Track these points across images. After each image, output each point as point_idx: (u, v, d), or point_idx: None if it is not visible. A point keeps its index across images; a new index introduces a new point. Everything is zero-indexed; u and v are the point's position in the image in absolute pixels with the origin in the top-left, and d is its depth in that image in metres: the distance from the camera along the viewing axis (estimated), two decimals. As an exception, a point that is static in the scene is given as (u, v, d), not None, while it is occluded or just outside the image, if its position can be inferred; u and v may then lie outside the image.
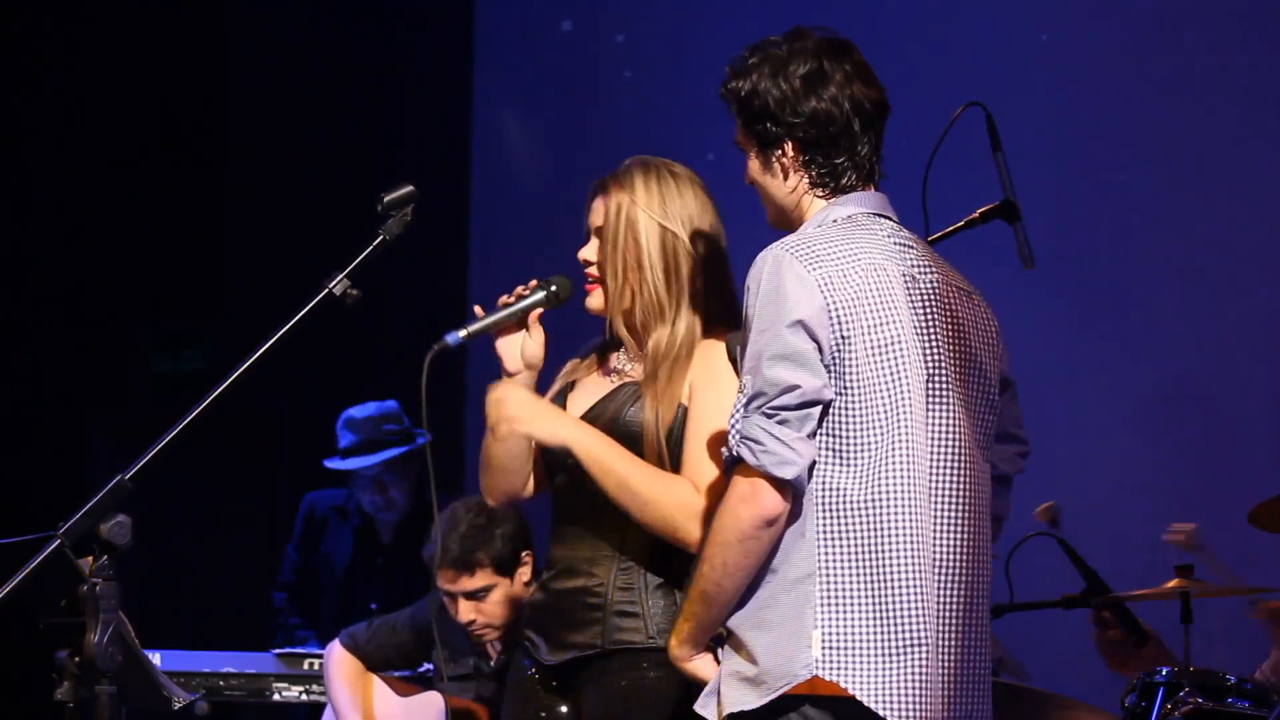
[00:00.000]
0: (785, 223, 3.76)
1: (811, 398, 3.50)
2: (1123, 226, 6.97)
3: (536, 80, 8.36)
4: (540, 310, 4.10)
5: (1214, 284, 6.78)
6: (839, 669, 3.50)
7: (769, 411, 3.49)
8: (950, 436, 3.60)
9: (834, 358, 3.53)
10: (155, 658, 6.51)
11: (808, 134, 3.67)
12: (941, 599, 3.56)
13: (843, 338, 3.53)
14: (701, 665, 3.69)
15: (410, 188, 3.78)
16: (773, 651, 3.53)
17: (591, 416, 4.08)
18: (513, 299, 4.09)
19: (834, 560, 3.53)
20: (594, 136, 7.96)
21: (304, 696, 6.76)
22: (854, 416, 3.54)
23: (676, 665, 3.72)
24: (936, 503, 3.58)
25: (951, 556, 3.58)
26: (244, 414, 8.62)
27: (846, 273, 3.56)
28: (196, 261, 9.30)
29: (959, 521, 3.60)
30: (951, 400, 3.61)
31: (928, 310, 3.62)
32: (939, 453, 3.59)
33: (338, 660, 6.07)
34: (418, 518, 7.14)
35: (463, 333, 4.01)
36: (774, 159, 3.71)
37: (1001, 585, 5.09)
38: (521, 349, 4.10)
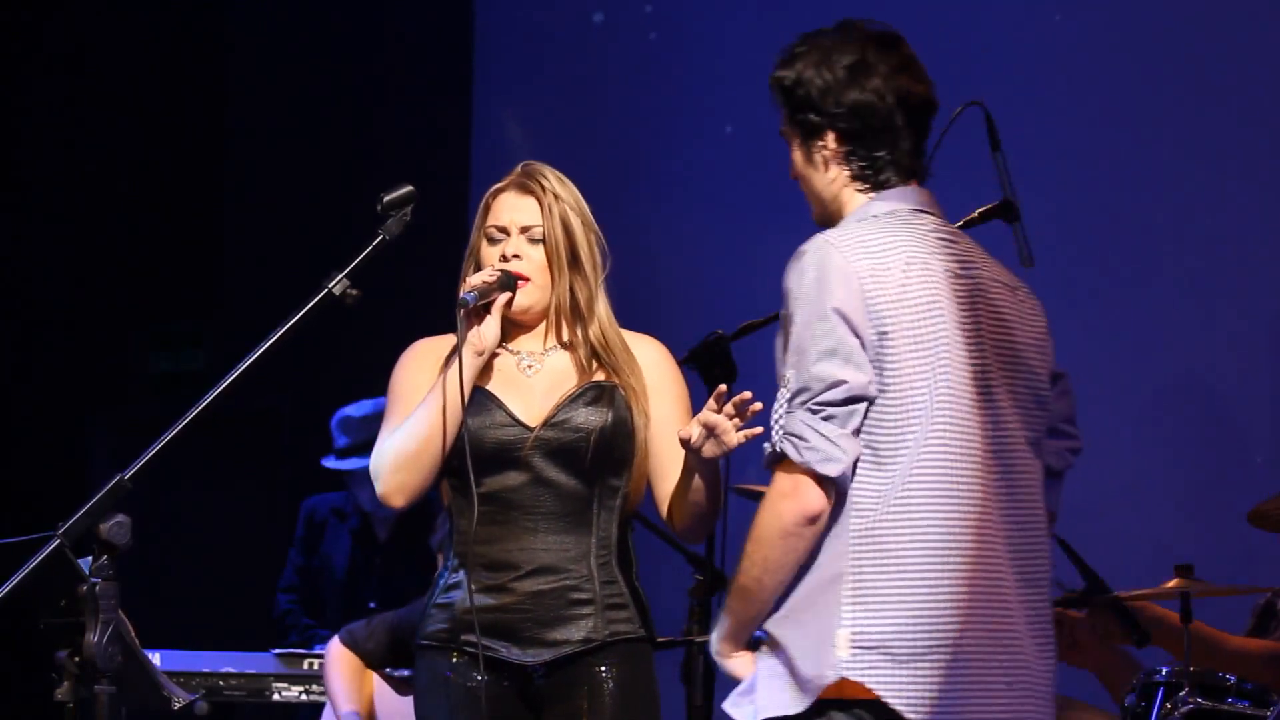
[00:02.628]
0: (827, 218, 3.72)
1: (857, 393, 3.46)
2: (1121, 226, 6.97)
3: (537, 79, 8.36)
4: (507, 298, 4.15)
5: (1214, 284, 6.78)
6: (865, 670, 3.46)
7: (814, 407, 3.45)
8: (998, 434, 3.57)
9: (875, 354, 3.49)
10: (155, 658, 6.51)
11: (850, 125, 3.64)
12: (985, 601, 3.52)
13: (883, 333, 3.49)
14: (740, 664, 3.63)
15: (410, 188, 3.79)
16: (806, 652, 3.50)
17: (563, 419, 4.12)
18: (491, 279, 4.13)
19: (864, 560, 3.48)
20: (595, 134, 7.96)
21: (304, 696, 6.76)
22: (892, 414, 3.49)
23: (716, 661, 3.67)
24: (986, 502, 3.53)
25: (999, 557, 3.55)
26: (244, 414, 8.63)
27: (889, 266, 3.53)
28: (196, 261, 9.31)
29: (1008, 521, 3.57)
30: (999, 397, 3.58)
31: (973, 306, 3.59)
32: (987, 451, 3.55)
33: (337, 658, 6.07)
34: (412, 516, 7.13)
35: (475, 295, 4.08)
36: (816, 150, 3.67)
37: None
38: (484, 332, 4.13)
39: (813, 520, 3.47)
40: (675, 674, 4.56)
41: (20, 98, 9.28)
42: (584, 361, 4.18)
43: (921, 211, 3.67)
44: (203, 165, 9.34)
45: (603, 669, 4.10)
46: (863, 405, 3.48)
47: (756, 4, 7.62)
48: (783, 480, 3.48)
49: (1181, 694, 5.01)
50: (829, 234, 3.59)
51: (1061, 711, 5.18)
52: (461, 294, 4.09)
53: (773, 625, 3.55)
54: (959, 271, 3.61)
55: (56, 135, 9.35)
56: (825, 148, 3.66)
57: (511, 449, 4.11)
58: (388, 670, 6.13)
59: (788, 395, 3.48)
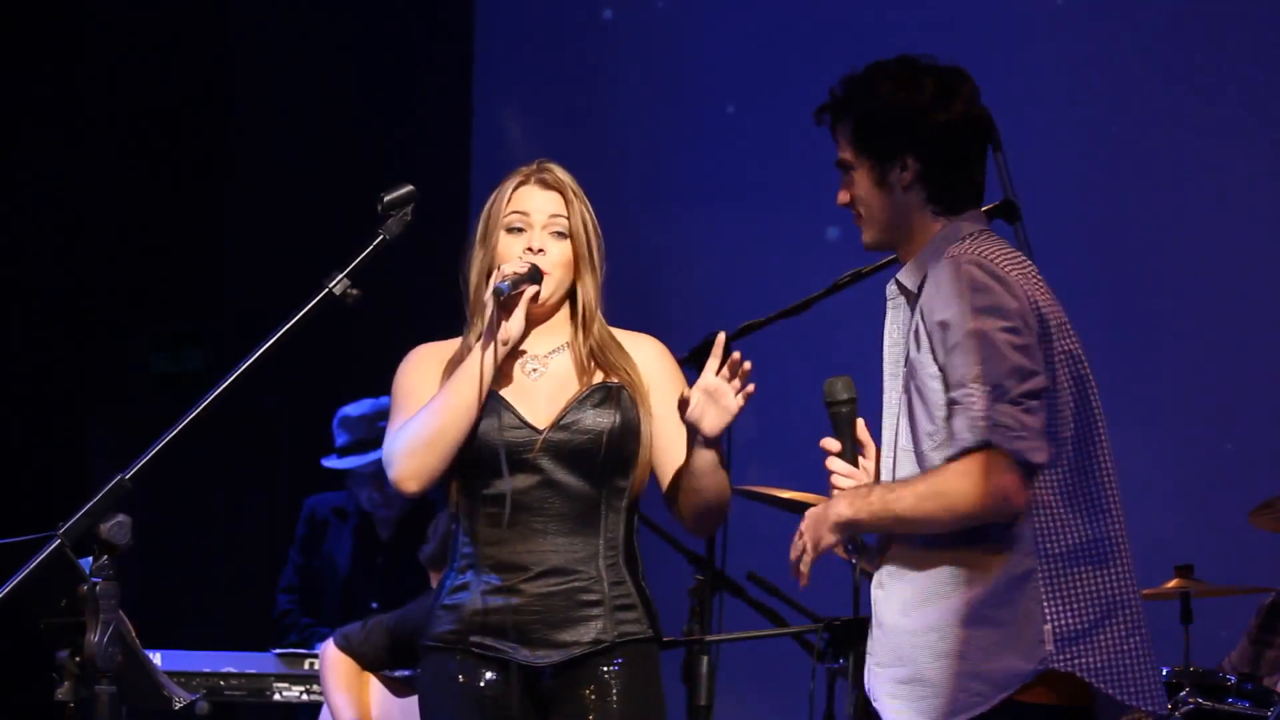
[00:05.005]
0: (888, 241, 3.79)
1: (1045, 385, 3.58)
2: (1122, 226, 6.97)
3: (539, 78, 8.36)
4: (535, 290, 4.15)
5: (1215, 284, 6.78)
6: (1073, 659, 3.56)
7: (1016, 399, 3.54)
8: (1104, 436, 3.74)
9: (1044, 354, 3.62)
10: (155, 658, 6.51)
11: (934, 150, 3.71)
12: (1135, 591, 3.68)
13: (1044, 334, 3.62)
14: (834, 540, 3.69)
15: (410, 187, 3.78)
16: (1003, 649, 3.58)
17: (571, 421, 4.13)
18: (522, 271, 4.13)
19: (1055, 554, 3.60)
20: (597, 133, 7.96)
21: (304, 696, 6.76)
22: (1055, 414, 3.62)
23: (833, 524, 3.68)
24: (1117, 501, 3.72)
25: (1127, 545, 3.71)
26: (244, 414, 8.63)
27: (1028, 274, 3.68)
28: (196, 261, 9.31)
29: (1121, 512, 3.73)
30: (1097, 402, 3.73)
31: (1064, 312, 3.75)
32: (1108, 453, 3.74)
33: (332, 660, 6.07)
34: (416, 516, 7.14)
35: (507, 283, 4.07)
36: (891, 174, 3.73)
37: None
38: (508, 326, 4.12)
39: (1010, 506, 3.55)
40: (677, 674, 4.56)
41: (20, 97, 9.28)
42: (584, 362, 4.19)
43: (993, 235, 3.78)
44: (203, 165, 9.34)
45: (610, 669, 4.11)
46: (1045, 401, 3.59)
47: (772, 5, 7.62)
48: (991, 464, 3.53)
49: (1182, 694, 5.02)
50: (968, 253, 3.66)
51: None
52: (495, 283, 4.08)
53: (956, 624, 3.61)
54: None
55: (57, 135, 9.35)
56: (904, 171, 3.72)
57: (520, 451, 4.11)
58: (384, 671, 6.13)
59: (985, 389, 3.55)
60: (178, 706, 3.78)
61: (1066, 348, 3.65)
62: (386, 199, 3.77)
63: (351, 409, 7.33)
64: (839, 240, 6.90)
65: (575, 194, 4.21)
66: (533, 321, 4.22)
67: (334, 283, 3.66)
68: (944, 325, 3.61)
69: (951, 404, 3.58)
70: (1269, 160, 6.73)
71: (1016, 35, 7.16)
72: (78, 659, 3.36)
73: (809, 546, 3.69)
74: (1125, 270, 6.94)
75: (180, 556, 9.01)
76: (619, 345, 4.22)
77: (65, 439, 9.19)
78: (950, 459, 3.57)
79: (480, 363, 4.08)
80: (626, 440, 4.14)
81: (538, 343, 4.23)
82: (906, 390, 3.69)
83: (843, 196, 3.80)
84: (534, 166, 4.25)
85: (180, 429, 3.50)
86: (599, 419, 4.13)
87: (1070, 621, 3.57)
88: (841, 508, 3.68)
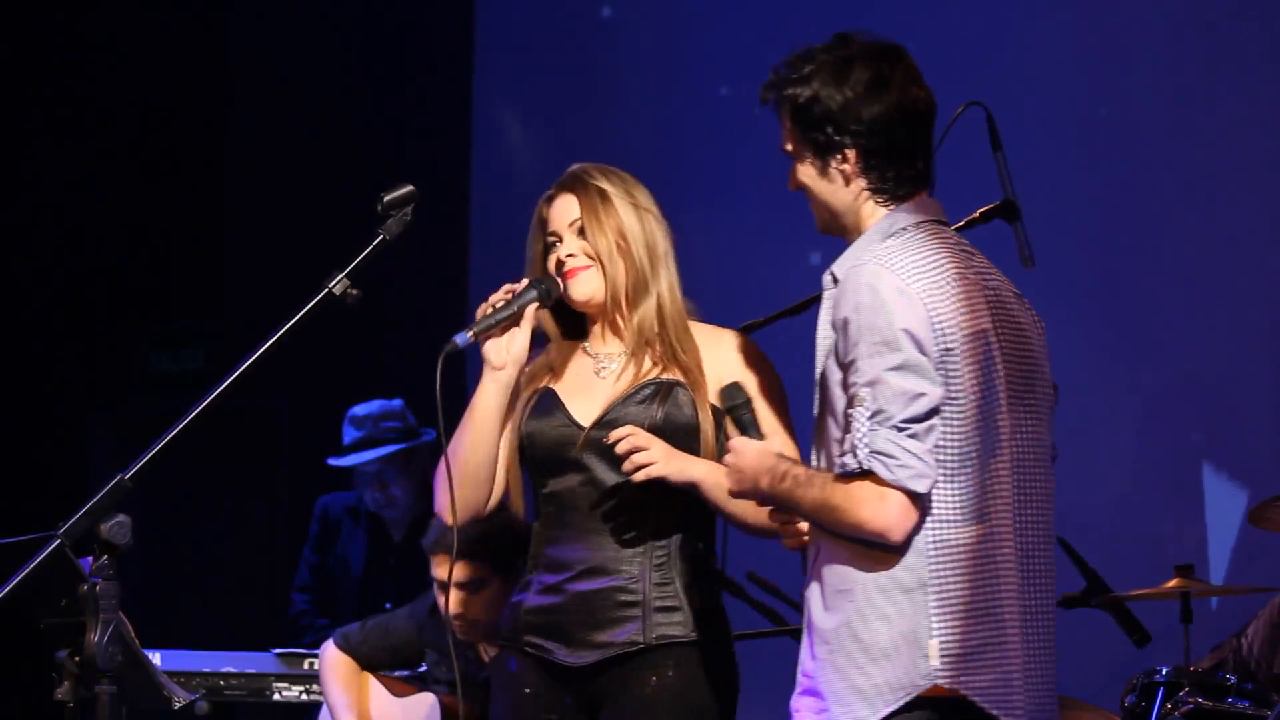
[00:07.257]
0: (837, 229, 3.75)
1: (936, 405, 3.51)
2: (1123, 226, 6.97)
3: (539, 77, 8.36)
4: (535, 307, 4.12)
5: (1215, 283, 6.77)
6: (958, 676, 3.52)
7: (900, 425, 3.48)
8: (1027, 441, 3.65)
9: (940, 369, 3.54)
10: (155, 658, 6.51)
11: (870, 141, 3.65)
12: (1031, 602, 3.63)
13: (946, 349, 3.54)
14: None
15: (410, 187, 3.78)
16: (889, 662, 3.54)
17: (613, 418, 4.11)
18: (508, 296, 4.12)
19: (946, 569, 3.54)
20: (597, 133, 7.96)
21: (304, 696, 6.75)
22: (958, 427, 3.54)
23: (746, 488, 3.73)
24: (1022, 508, 3.63)
25: (1036, 559, 3.65)
26: (244, 414, 8.63)
27: (940, 283, 3.57)
28: (196, 261, 9.31)
29: (1039, 525, 3.66)
30: (1023, 405, 3.65)
31: (997, 316, 3.64)
32: (1020, 458, 3.63)
33: (332, 660, 6.07)
34: (427, 518, 7.13)
35: (470, 333, 4.05)
36: (832, 165, 3.68)
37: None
38: (509, 345, 4.11)
39: (888, 541, 3.51)
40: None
41: (20, 97, 9.28)
42: (650, 356, 4.16)
43: (941, 223, 3.71)
44: (203, 165, 9.34)
45: (651, 673, 4.09)
46: (938, 419, 3.52)
47: (773, 3, 7.62)
48: (869, 491, 3.50)
49: (1181, 694, 5.01)
50: (875, 256, 3.60)
51: (1061, 711, 5.19)
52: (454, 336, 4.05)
53: (840, 634, 3.58)
54: (982, 283, 3.65)
55: (57, 135, 9.35)
56: (844, 162, 3.68)
57: (565, 449, 4.12)
58: (384, 671, 6.13)
59: (867, 414, 3.50)
60: (178, 706, 3.78)
61: (979, 356, 3.56)
62: (386, 199, 3.77)
63: (359, 408, 7.34)
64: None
65: (597, 187, 4.19)
66: (594, 319, 4.20)
67: (334, 283, 3.66)
68: (845, 329, 3.57)
69: (846, 417, 3.55)
70: (1270, 164, 6.73)
71: (1017, 29, 7.15)
72: (78, 659, 3.36)
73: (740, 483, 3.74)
74: (1125, 270, 6.93)
75: (180, 556, 9.01)
76: (693, 341, 4.17)
77: (65, 439, 9.19)
78: (840, 476, 3.54)
79: (479, 395, 4.11)
80: (672, 437, 4.07)
81: (609, 342, 4.21)
82: (821, 387, 3.67)
83: (792, 182, 3.76)
84: (563, 176, 4.25)
85: (180, 429, 3.50)
86: (640, 415, 4.10)
87: (958, 637, 3.52)
88: (762, 480, 3.67)
